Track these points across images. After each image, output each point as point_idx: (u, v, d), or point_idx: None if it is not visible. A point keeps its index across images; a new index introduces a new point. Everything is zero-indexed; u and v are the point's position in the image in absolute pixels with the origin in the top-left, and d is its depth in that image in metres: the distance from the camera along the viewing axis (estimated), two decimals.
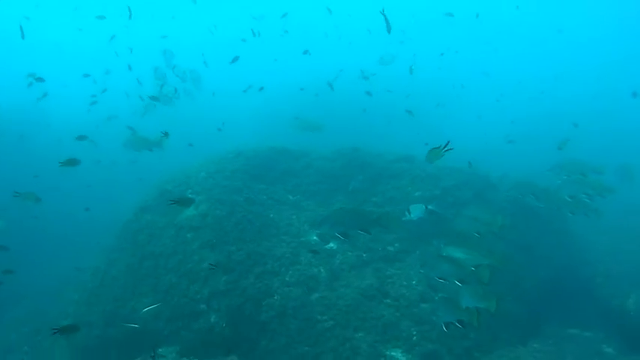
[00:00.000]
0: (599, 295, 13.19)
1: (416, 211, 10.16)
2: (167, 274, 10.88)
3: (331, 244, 11.26)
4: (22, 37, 17.35)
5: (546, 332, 12.64)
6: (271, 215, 11.93)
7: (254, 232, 11.26)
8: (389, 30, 11.02)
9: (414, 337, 9.59)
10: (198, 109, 26.98)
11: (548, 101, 34.14)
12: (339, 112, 26.30)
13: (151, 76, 17.53)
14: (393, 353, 9.35)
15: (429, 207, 10.19)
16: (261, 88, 22.27)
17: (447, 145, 7.70)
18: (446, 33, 44.58)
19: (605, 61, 44.69)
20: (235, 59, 18.18)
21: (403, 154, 14.33)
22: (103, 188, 21.13)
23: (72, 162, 10.40)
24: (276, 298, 9.89)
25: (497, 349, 10.63)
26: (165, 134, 11.21)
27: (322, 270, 10.56)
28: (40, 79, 16.82)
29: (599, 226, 16.20)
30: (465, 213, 10.62)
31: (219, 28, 39.78)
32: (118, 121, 20.68)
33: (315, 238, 11.37)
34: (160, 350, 9.83)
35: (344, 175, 13.67)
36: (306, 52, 23.08)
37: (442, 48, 32.53)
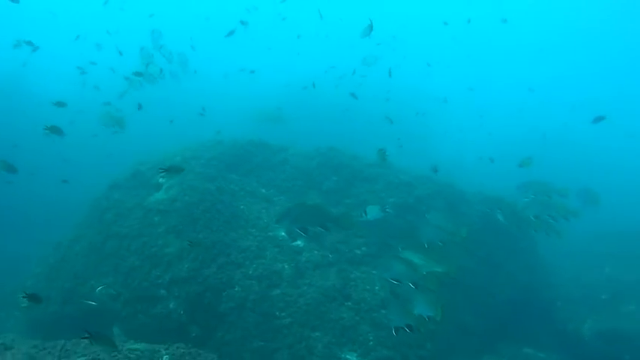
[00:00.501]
0: (557, 318, 13.39)
1: (372, 212, 10.17)
2: (130, 255, 10.76)
3: (298, 242, 11.21)
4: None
5: (502, 349, 12.75)
6: (241, 207, 11.85)
7: (222, 222, 11.17)
8: (367, 34, 11.01)
9: (371, 342, 9.57)
10: (184, 92, 26.81)
11: (527, 118, 34.41)
12: (323, 112, 26.41)
13: (137, 55, 17.33)
14: (348, 356, 9.33)
15: (387, 209, 10.18)
16: (253, 71, 22.22)
17: (384, 152, 7.80)
18: (438, 42, 44.88)
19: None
20: (231, 33, 18.03)
21: (379, 159, 14.32)
22: (82, 162, 20.92)
23: (56, 130, 10.30)
24: (236, 289, 9.81)
25: None
26: (139, 107, 11.00)
27: (286, 266, 10.50)
28: (30, 43, 16.55)
29: (565, 250, 16.43)
30: (430, 221, 10.62)
31: (213, 15, 39.61)
32: (100, 95, 20.39)
33: (283, 234, 11.30)
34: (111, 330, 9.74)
35: (319, 173, 13.63)
36: (299, 36, 23.07)
37: (431, 58, 32.80)
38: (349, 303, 10.21)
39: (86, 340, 6.91)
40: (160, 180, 12.20)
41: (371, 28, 10.95)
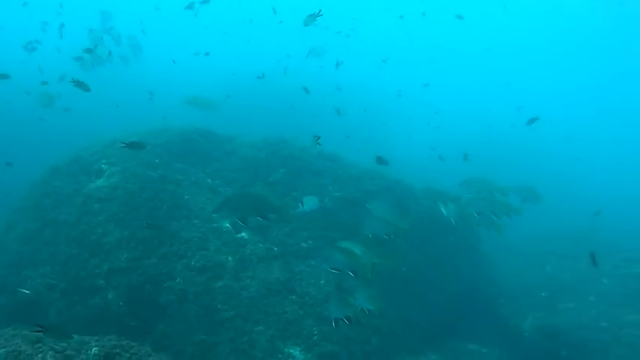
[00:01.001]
0: (500, 314, 13.58)
1: (309, 203, 10.03)
2: (68, 244, 10.35)
3: (243, 234, 11.01)
4: None
5: (447, 345, 12.86)
6: (186, 197, 11.54)
7: (164, 211, 10.86)
8: (310, 22, 10.79)
9: (315, 337, 9.50)
10: (133, 76, 26.14)
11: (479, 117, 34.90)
12: (274, 103, 26.22)
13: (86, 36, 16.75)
14: (291, 350, 9.22)
15: (325, 200, 10.08)
16: (207, 54, 21.84)
17: (318, 138, 7.71)
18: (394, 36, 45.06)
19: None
20: (191, 5, 17.69)
21: (328, 152, 14.23)
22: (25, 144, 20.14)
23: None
24: (178, 281, 9.58)
25: (398, 357, 10.71)
26: (77, 83, 10.57)
27: (230, 258, 10.30)
28: None
29: (509, 249, 16.74)
30: (374, 214, 10.54)
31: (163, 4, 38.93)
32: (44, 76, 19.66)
33: (227, 225, 11.07)
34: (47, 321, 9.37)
35: (267, 165, 13.37)
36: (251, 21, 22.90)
37: (387, 51, 32.86)
38: (293, 297, 10.10)
39: (8, 331, 6.62)
40: (103, 166, 11.80)
41: (315, 16, 10.66)
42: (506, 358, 12.75)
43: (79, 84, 10.50)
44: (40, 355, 6.08)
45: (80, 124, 19.45)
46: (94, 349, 6.60)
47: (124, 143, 8.81)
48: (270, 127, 16.97)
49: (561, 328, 12.16)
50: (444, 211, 11.68)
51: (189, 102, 15.02)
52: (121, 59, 20.62)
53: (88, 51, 14.31)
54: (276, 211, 8.75)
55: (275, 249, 10.92)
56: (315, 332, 9.58)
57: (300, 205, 9.93)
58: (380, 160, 11.66)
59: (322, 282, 10.63)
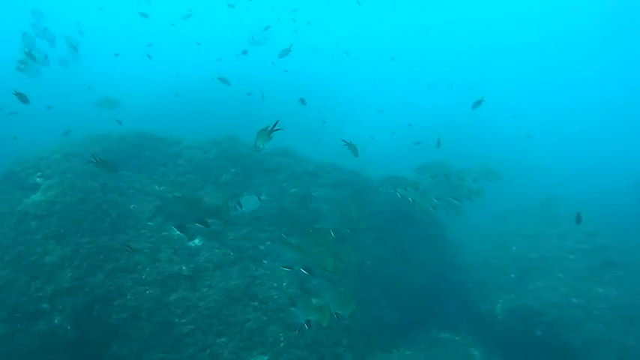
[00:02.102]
0: (469, 300, 13.32)
1: (248, 204, 9.13)
2: (4, 267, 9.38)
3: (196, 241, 10.33)
4: None
5: (419, 337, 12.55)
6: (132, 206, 10.76)
7: (109, 224, 10.06)
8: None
9: (282, 344, 8.91)
10: (72, 78, 24.98)
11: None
12: (222, 102, 25.63)
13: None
14: None
15: (262, 197, 9.36)
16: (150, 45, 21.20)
17: (275, 125, 7.03)
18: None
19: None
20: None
21: (281, 147, 13.64)
22: None
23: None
24: (129, 298, 8.80)
25: (370, 355, 10.22)
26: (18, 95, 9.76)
27: (184, 268, 9.59)
28: None
29: (472, 233, 16.51)
30: (332, 209, 9.97)
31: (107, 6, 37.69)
32: None
33: (179, 232, 10.35)
34: None
35: (216, 166, 12.68)
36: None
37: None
38: (255, 303, 9.47)
39: None
40: (38, 180, 10.91)
41: (288, 50, 10.25)
42: (481, 344, 12.53)
43: (20, 96, 9.67)
44: None
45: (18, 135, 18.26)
46: None
47: (94, 160, 8.02)
48: (219, 127, 16.14)
49: (533, 309, 11.94)
50: (400, 194, 11.23)
51: (96, 103, 14.03)
52: (60, 62, 19.49)
53: (31, 56, 13.24)
54: (214, 214, 8.04)
55: (232, 254, 10.26)
56: (282, 339, 8.99)
57: (237, 206, 9.03)
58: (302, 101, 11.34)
59: (285, 284, 10.06)
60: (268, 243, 10.88)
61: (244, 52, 18.80)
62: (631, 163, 24.16)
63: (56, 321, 8.64)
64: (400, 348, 11.22)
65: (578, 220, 9.73)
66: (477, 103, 14.38)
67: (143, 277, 9.16)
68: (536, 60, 51.38)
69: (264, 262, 8.00)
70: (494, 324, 12.37)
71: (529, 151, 30.96)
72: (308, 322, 7.54)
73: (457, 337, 12.80)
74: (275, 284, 9.94)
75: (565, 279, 12.78)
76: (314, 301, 9.70)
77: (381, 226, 12.56)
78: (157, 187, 11.96)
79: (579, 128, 38.50)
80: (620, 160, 28.06)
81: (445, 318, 13.42)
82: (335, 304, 7.74)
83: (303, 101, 14.17)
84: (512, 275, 13.46)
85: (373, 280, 11.81)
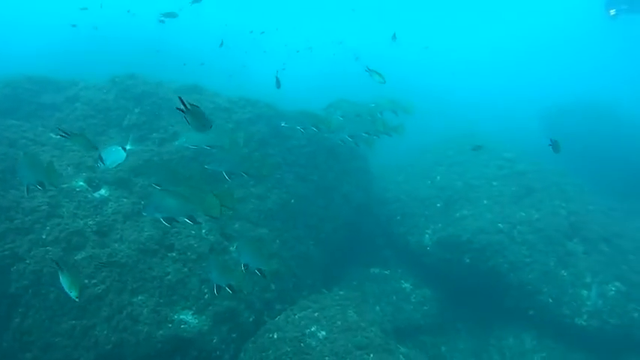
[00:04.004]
0: (397, 234, 13.12)
1: (112, 157, 7.69)
2: None
3: (102, 191, 9.31)
4: None
5: (349, 274, 12.31)
6: None
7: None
8: None
9: (207, 296, 8.31)
10: None
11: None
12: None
13: None
14: (182, 317, 7.97)
15: (127, 147, 8.11)
16: None
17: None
18: None
19: None
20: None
21: (190, 83, 12.55)
22: None
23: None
24: (28, 262, 7.74)
25: (301, 298, 9.77)
26: None
27: (90, 222, 8.57)
28: None
29: (395, 165, 16.22)
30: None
31: None
32: None
33: (81, 183, 9.29)
34: None
35: (118, 107, 11.40)
36: None
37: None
38: (173, 254, 8.70)
39: None
40: None
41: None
42: (411, 276, 12.49)
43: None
44: None
45: None
46: None
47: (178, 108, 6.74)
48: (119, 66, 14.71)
49: (461, 237, 11.90)
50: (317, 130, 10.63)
51: None
52: None
53: None
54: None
55: (142, 202, 9.25)
56: (206, 290, 8.37)
57: (99, 162, 7.64)
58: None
59: (204, 231, 9.35)
60: None
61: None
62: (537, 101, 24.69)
63: None
64: (332, 288, 10.85)
65: (555, 148, 9.43)
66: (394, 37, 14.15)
67: (43, 237, 8.10)
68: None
69: (144, 214, 7.13)
70: (424, 255, 12.29)
71: (454, 92, 31.32)
72: (230, 286, 6.86)
73: (387, 271, 12.67)
74: (193, 232, 9.20)
75: (490, 205, 12.76)
76: (233, 249, 9.08)
77: (302, 161, 11.94)
78: (53, 136, 10.68)
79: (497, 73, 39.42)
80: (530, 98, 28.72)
81: (373, 253, 13.22)
82: (254, 260, 7.05)
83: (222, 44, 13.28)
84: (438, 205, 13.33)
85: (298, 218, 11.28)
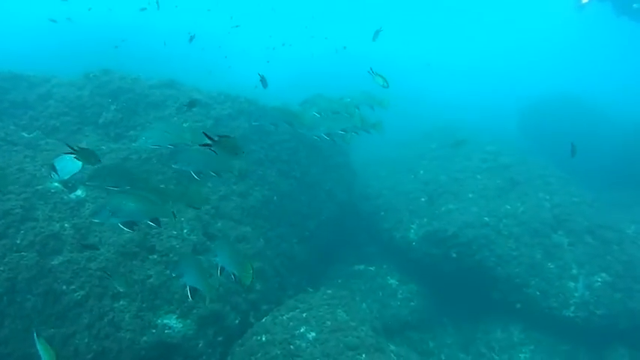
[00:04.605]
0: (381, 229, 12.96)
1: (67, 168, 7.18)
2: None
3: (78, 192, 8.93)
4: None
5: (334, 271, 12.15)
6: None
7: None
8: None
9: (190, 299, 7.93)
10: None
11: None
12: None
13: None
14: (165, 321, 7.68)
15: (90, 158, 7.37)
16: None
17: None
18: None
19: None
20: None
21: (166, 79, 12.14)
22: None
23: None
24: (2, 269, 7.37)
25: (287, 297, 9.61)
26: None
27: (67, 225, 8.19)
28: None
29: (376, 159, 16.06)
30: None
31: None
32: None
33: (56, 184, 8.89)
34: None
35: (94, 104, 10.94)
36: None
37: None
38: (154, 256, 8.36)
39: None
40: None
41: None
42: (396, 272, 12.38)
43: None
44: None
45: None
46: None
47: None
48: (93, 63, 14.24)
49: (447, 232, 11.80)
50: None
51: None
52: None
53: None
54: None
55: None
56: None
57: (52, 173, 7.16)
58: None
59: (186, 231, 9.04)
60: (162, 186, 9.66)
61: None
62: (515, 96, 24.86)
63: None
64: (319, 286, 10.65)
65: (574, 151, 9.57)
66: (376, 33, 13.98)
67: (18, 241, 7.72)
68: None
69: (95, 220, 6.73)
70: (410, 250, 12.15)
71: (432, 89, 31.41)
72: (193, 290, 6.49)
73: (372, 268, 12.52)
74: (174, 232, 8.89)
75: (475, 199, 12.69)
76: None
77: (284, 157, 11.71)
78: (25, 135, 10.26)
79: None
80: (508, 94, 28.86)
81: (358, 249, 13.08)
82: (232, 265, 6.67)
83: (191, 38, 12.95)
84: (422, 199, 13.21)
85: (281, 216, 11.05)
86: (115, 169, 8.44)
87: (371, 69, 10.18)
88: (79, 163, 6.97)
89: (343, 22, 45.11)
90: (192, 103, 9.72)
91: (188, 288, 6.51)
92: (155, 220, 6.20)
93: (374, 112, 11.44)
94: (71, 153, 6.28)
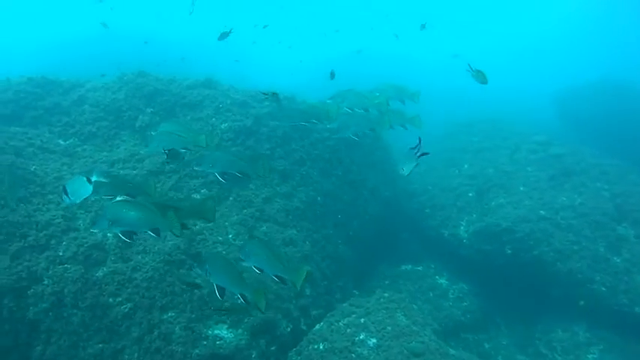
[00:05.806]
0: (428, 227, 12.42)
1: (77, 190, 6.40)
2: None
3: (119, 199, 8.56)
4: None
5: (380, 272, 11.66)
6: (32, 168, 8.69)
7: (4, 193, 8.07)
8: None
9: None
10: None
11: None
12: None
13: None
14: (216, 332, 7.26)
15: (93, 178, 6.81)
16: None
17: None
18: None
19: None
20: None
21: (203, 78, 11.77)
22: None
23: None
24: (46, 283, 7.01)
25: (335, 301, 9.27)
26: None
27: (109, 235, 7.85)
28: None
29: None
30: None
31: None
32: None
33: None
34: None
35: (130, 107, 10.60)
36: None
37: None
38: None
39: None
40: None
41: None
42: (445, 271, 11.89)
43: None
44: None
45: None
46: None
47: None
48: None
49: (501, 227, 11.22)
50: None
51: None
52: None
53: None
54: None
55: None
56: (239, 301, 7.57)
57: (64, 195, 6.37)
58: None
59: (231, 236, 8.64)
60: (204, 190, 9.35)
61: None
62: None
63: None
64: (367, 289, 10.24)
65: None
66: (423, 26, 13.60)
67: (60, 253, 7.37)
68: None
69: (94, 230, 6.31)
70: (460, 248, 11.63)
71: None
72: (243, 296, 6.16)
73: (419, 267, 12.05)
74: (220, 237, 8.50)
75: (528, 191, 12.13)
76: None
77: (326, 155, 11.24)
78: (61, 142, 9.95)
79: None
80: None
81: (402, 248, 12.59)
82: (282, 270, 6.19)
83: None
84: (470, 194, 12.70)
85: (325, 217, 10.60)
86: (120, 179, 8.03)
87: (469, 65, 9.62)
88: (89, 188, 6.52)
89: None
90: (275, 96, 9.19)
91: (240, 295, 6.10)
92: (155, 230, 5.80)
93: (404, 105, 10.97)
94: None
